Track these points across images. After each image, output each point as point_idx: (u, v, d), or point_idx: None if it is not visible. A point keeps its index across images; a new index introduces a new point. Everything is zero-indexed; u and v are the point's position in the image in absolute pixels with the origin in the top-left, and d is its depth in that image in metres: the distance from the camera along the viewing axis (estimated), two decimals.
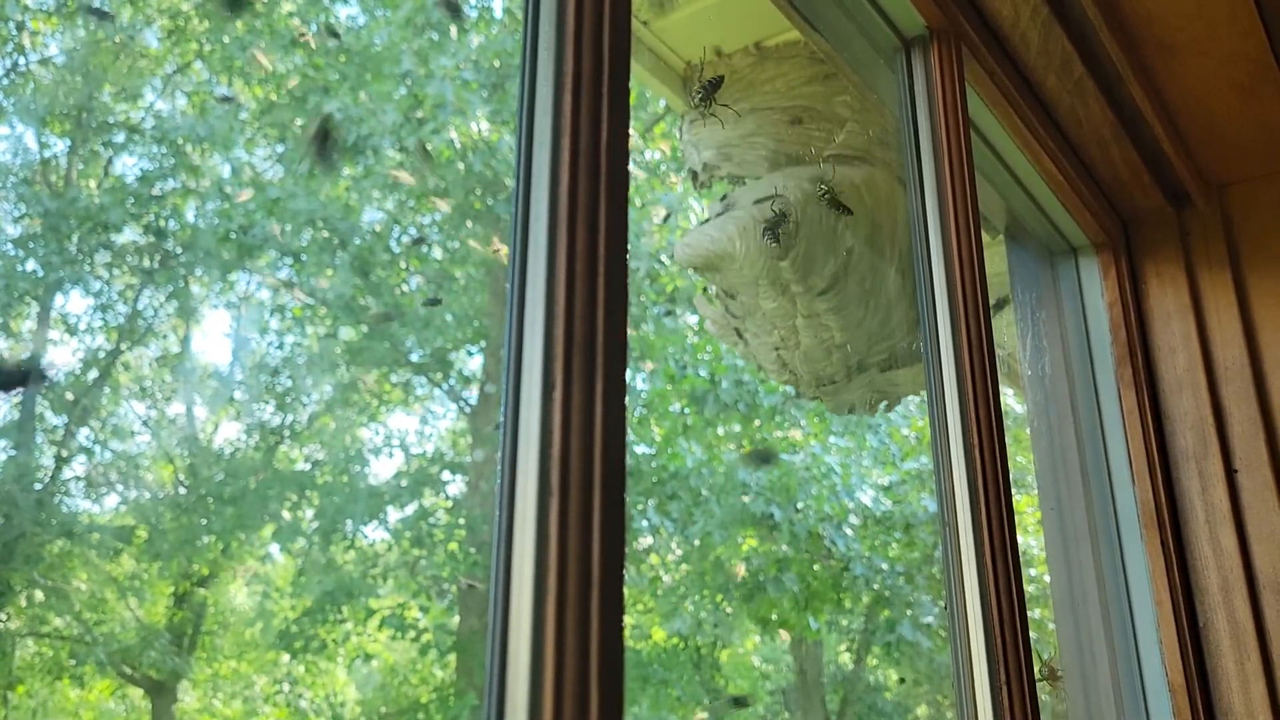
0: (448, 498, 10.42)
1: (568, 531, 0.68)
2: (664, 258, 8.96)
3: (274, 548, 10.98)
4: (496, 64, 9.02)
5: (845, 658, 11.54)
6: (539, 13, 0.83)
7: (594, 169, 0.78)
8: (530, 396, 0.72)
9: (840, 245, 1.69)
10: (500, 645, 0.67)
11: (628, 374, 0.76)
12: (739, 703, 10.28)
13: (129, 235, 10.00)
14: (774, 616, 9.09)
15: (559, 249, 0.75)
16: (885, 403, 2.04)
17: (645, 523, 8.84)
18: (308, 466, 10.85)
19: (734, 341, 2.00)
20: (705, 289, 1.96)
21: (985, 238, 1.98)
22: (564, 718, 0.64)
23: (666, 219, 8.97)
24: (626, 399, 0.75)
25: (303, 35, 9.04)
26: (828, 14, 1.42)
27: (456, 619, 9.93)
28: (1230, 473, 1.79)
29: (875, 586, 9.00)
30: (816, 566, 9.07)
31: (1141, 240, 2.01)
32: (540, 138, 0.79)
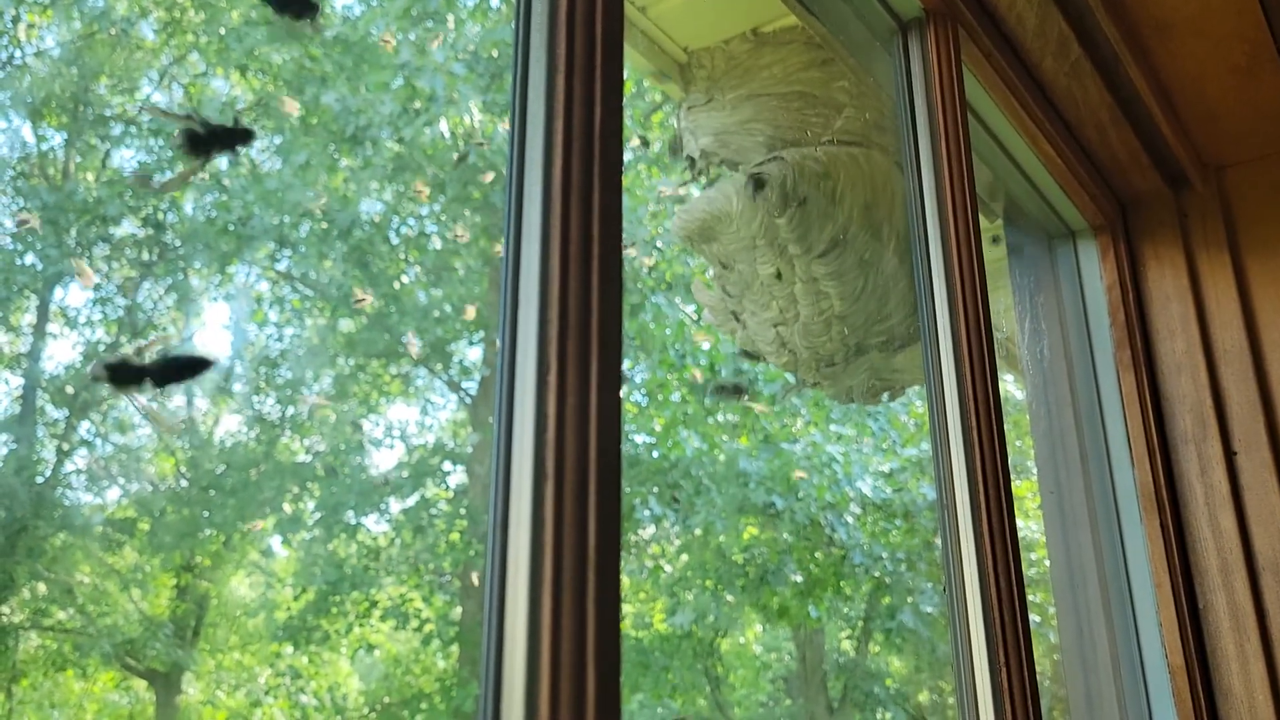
0: (448, 488, 10.42)
1: (563, 515, 0.68)
2: (660, 245, 8.95)
3: (275, 540, 10.99)
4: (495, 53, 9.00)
5: (847, 645, 11.56)
6: None
7: (587, 152, 0.78)
8: (525, 381, 0.71)
9: (838, 211, 1.68)
10: (496, 630, 0.67)
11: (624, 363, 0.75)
12: None
13: (127, 228, 9.98)
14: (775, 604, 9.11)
15: (553, 232, 0.74)
16: (888, 392, 2.03)
17: (647, 512, 8.84)
18: (308, 458, 10.85)
19: (732, 328, 1.99)
20: (704, 272, 1.97)
21: (983, 221, 1.98)
22: (560, 702, 0.64)
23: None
24: (622, 383, 0.75)
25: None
26: None
27: (459, 609, 9.95)
28: (1229, 455, 1.79)
29: (876, 574, 9.02)
30: (818, 554, 9.08)
31: (1140, 223, 2.00)
32: (534, 121, 0.79)
